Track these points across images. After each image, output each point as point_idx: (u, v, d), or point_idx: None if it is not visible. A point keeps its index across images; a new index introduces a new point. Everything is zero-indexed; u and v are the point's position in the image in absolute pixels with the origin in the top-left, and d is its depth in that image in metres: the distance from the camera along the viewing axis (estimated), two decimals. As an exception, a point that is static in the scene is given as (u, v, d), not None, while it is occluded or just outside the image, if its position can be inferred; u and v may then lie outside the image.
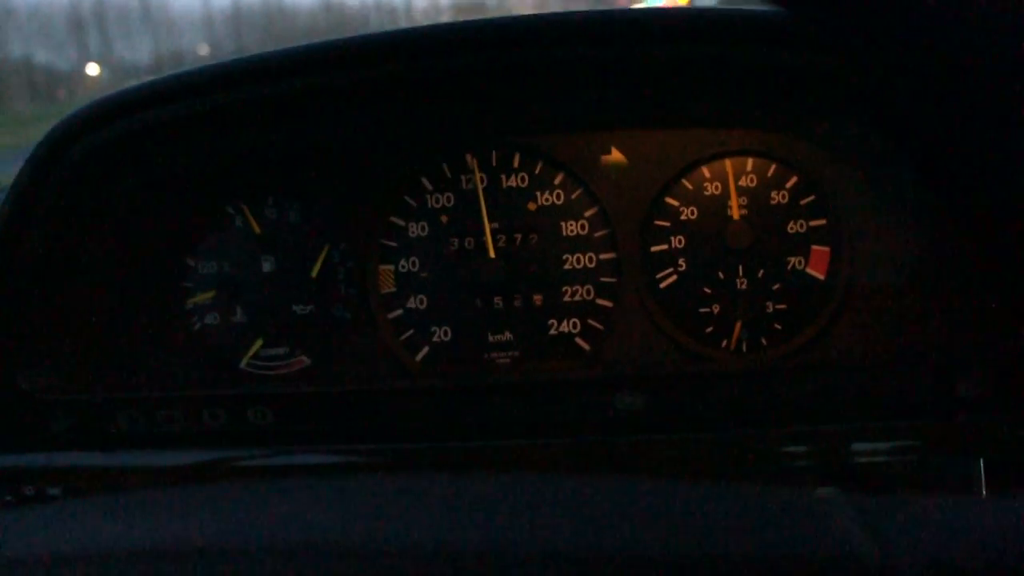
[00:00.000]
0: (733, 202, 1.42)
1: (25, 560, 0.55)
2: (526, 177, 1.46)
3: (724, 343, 1.43)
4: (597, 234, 1.45)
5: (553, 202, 1.46)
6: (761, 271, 1.41)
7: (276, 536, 0.55)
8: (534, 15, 1.23)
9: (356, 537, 0.55)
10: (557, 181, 1.46)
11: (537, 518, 0.56)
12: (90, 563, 0.54)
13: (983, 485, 1.14)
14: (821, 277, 1.40)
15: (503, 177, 1.46)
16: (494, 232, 1.45)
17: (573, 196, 1.46)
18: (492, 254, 1.45)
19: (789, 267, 1.41)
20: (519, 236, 1.46)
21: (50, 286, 1.34)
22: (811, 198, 1.40)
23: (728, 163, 1.42)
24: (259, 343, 1.50)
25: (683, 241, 1.43)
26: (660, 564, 0.49)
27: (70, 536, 0.59)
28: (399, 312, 1.49)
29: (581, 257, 1.45)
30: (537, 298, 1.46)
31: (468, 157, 1.47)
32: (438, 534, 0.54)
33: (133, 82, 1.34)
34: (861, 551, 0.49)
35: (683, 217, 1.43)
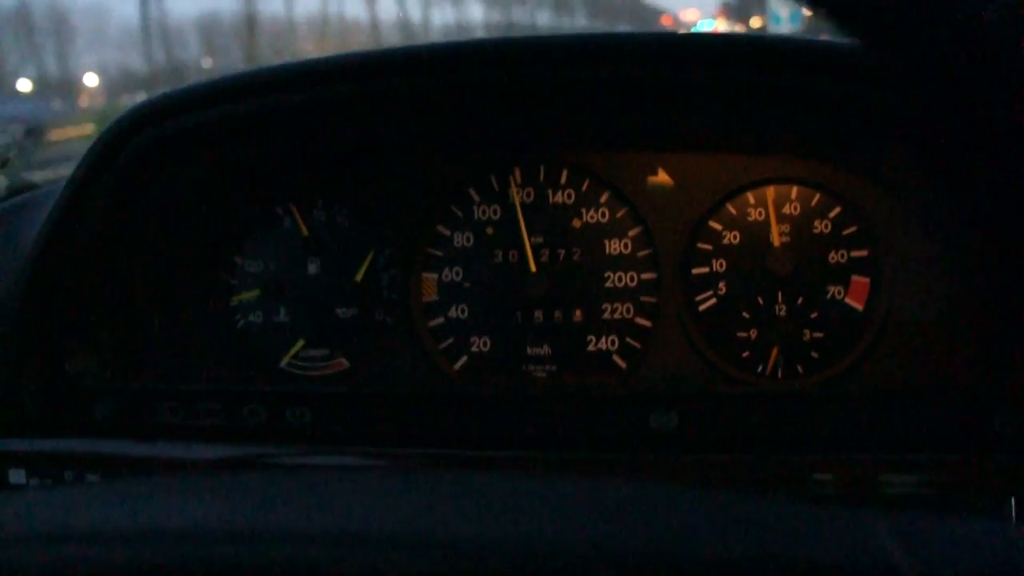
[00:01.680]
0: (774, 229, 1.42)
1: (51, 537, 0.57)
2: (572, 194, 1.48)
3: (760, 368, 1.43)
4: (640, 254, 1.47)
5: (598, 220, 1.47)
6: (800, 299, 1.42)
7: (305, 523, 0.56)
8: (591, 33, 1.25)
9: (381, 527, 0.56)
10: (603, 199, 1.48)
11: (570, 515, 0.56)
12: (115, 542, 0.55)
13: (1014, 522, 1.14)
14: (860, 307, 1.41)
15: (550, 192, 1.48)
16: (538, 247, 1.47)
17: (618, 215, 1.47)
18: (534, 268, 1.46)
19: (828, 296, 1.42)
20: (563, 252, 1.47)
21: (101, 275, 1.37)
22: (853, 228, 1.41)
23: (772, 190, 1.43)
24: (300, 343, 1.52)
25: (724, 265, 1.45)
26: (692, 569, 0.50)
27: (96, 515, 0.60)
28: (440, 320, 1.51)
29: (623, 276, 1.47)
30: (577, 314, 1.47)
31: (516, 171, 1.48)
32: (462, 527, 0.55)
33: (139, 93, 1.37)
34: (900, 567, 0.49)
35: (725, 241, 1.44)
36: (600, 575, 0.50)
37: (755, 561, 0.51)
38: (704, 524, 0.55)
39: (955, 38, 0.51)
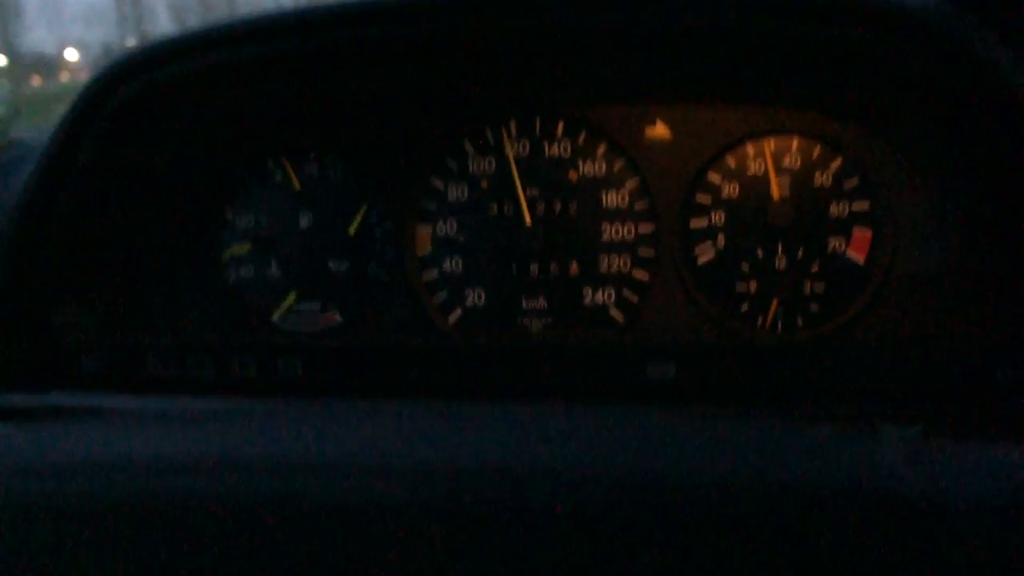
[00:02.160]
0: (774, 181, 1.40)
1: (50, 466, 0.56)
2: (569, 146, 1.46)
3: (760, 321, 1.42)
4: (637, 206, 1.44)
5: (595, 172, 1.45)
6: (801, 251, 1.40)
7: (302, 452, 0.56)
8: None
9: (379, 456, 0.55)
10: (600, 151, 1.45)
11: (581, 441, 0.55)
12: (107, 471, 0.54)
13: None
14: (861, 260, 1.39)
15: (546, 145, 1.46)
16: (534, 199, 1.45)
17: (615, 167, 1.45)
18: (528, 221, 1.44)
19: (829, 249, 1.40)
20: (559, 204, 1.45)
21: (89, 228, 1.35)
22: (855, 181, 1.39)
23: (772, 141, 1.41)
24: (292, 298, 1.51)
25: (723, 217, 1.42)
26: (707, 488, 0.49)
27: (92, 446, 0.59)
28: (434, 274, 1.49)
29: (620, 228, 1.45)
30: (573, 267, 1.45)
31: (511, 123, 1.46)
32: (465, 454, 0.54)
33: None
34: (908, 485, 0.48)
35: (724, 194, 1.42)
36: (603, 498, 0.49)
37: (761, 479, 0.50)
38: (710, 444, 0.54)
39: None
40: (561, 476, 0.52)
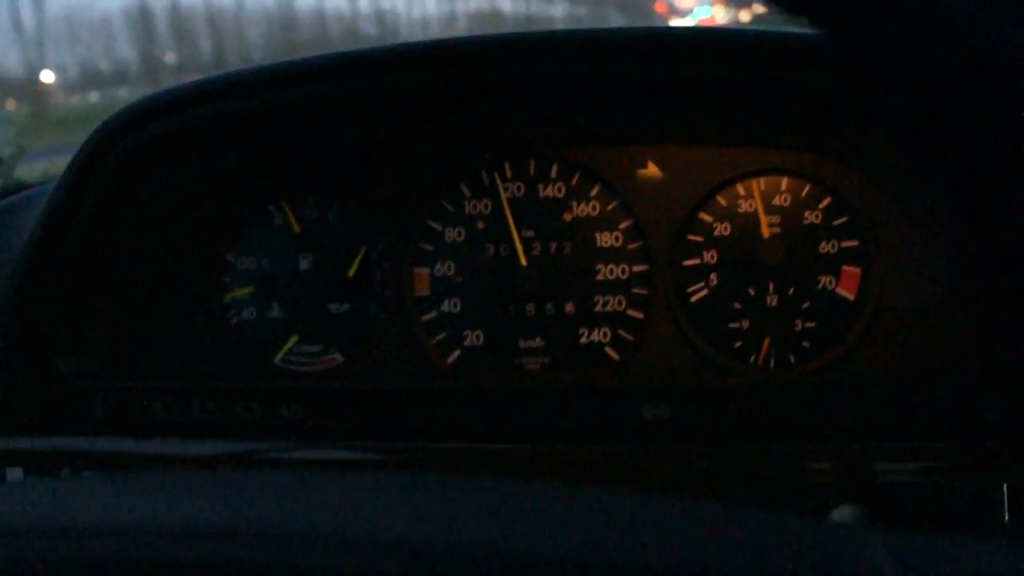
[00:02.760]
0: (762, 220, 1.43)
1: (37, 529, 0.57)
2: (563, 187, 1.48)
3: (752, 358, 1.44)
4: (631, 246, 1.47)
5: (588, 213, 1.48)
6: (792, 289, 1.43)
7: (296, 521, 0.57)
8: (578, 30, 1.26)
9: (371, 529, 0.56)
10: (593, 193, 1.48)
11: (552, 523, 0.56)
12: (100, 536, 0.56)
13: (1006, 510, 1.15)
14: (851, 297, 1.42)
15: (540, 186, 1.49)
16: (529, 240, 1.48)
17: (608, 208, 1.48)
18: (524, 262, 1.47)
19: (819, 286, 1.42)
20: (554, 245, 1.48)
21: (93, 273, 1.38)
22: (844, 219, 1.42)
23: (762, 181, 1.44)
24: (294, 339, 1.53)
25: (715, 256, 1.45)
26: None
27: (90, 508, 0.61)
28: (433, 315, 1.51)
29: (614, 268, 1.47)
30: (569, 307, 1.48)
31: (506, 166, 1.49)
32: (450, 531, 0.55)
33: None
34: None
35: (716, 233, 1.45)
36: None
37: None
38: (691, 537, 0.55)
39: (927, 30, 0.52)
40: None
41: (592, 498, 0.59)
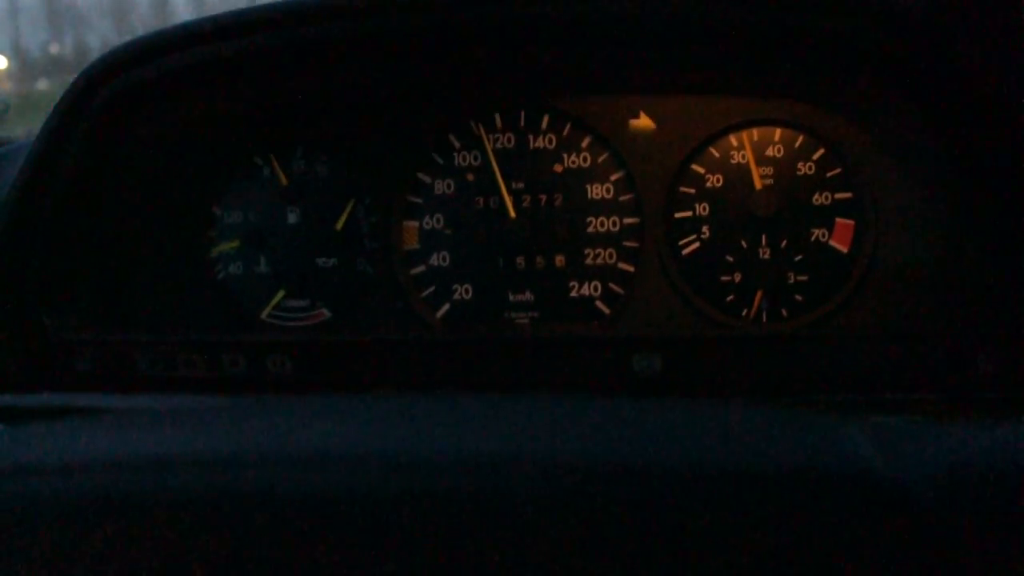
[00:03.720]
0: (755, 172, 1.42)
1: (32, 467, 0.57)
2: (553, 139, 1.47)
3: (744, 312, 1.43)
4: (622, 198, 1.46)
5: (579, 165, 1.46)
6: (784, 242, 1.41)
7: (285, 446, 0.57)
8: None
9: (365, 448, 0.56)
10: (584, 144, 1.46)
11: (552, 429, 0.57)
12: (93, 471, 0.55)
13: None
14: (844, 250, 1.40)
15: (531, 138, 1.47)
16: (519, 192, 1.46)
17: (599, 160, 1.46)
18: (512, 214, 1.46)
19: (812, 239, 1.41)
20: (544, 197, 1.46)
21: (77, 227, 1.36)
22: (837, 171, 1.40)
23: (755, 132, 1.42)
24: (281, 294, 1.51)
25: (707, 208, 1.44)
26: (667, 476, 0.50)
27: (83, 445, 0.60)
28: (421, 269, 1.50)
29: (605, 221, 1.46)
30: (559, 260, 1.47)
31: (496, 117, 1.47)
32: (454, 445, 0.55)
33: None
34: (871, 467, 0.49)
35: (708, 185, 1.43)
36: (576, 487, 0.50)
37: (728, 465, 0.51)
38: (677, 431, 0.55)
39: None
40: (544, 463, 0.53)
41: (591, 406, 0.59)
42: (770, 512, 0.48)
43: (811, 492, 0.49)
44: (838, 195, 1.40)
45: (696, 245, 1.44)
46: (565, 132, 1.47)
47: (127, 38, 1.28)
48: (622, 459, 0.52)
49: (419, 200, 1.49)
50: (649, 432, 0.55)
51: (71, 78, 1.29)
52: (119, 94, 1.27)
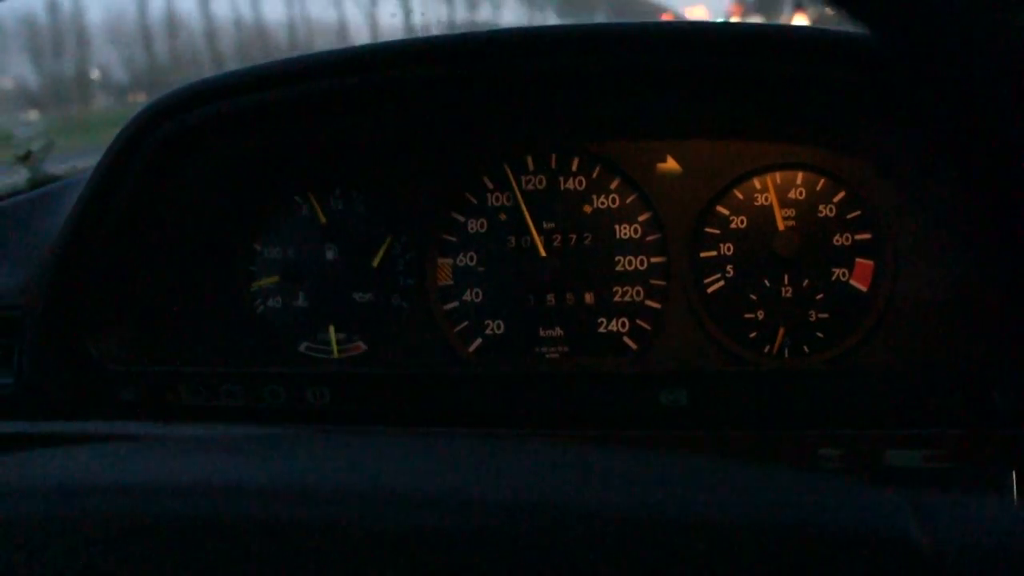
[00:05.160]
0: (777, 213, 1.46)
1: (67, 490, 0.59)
2: (583, 180, 1.52)
3: (767, 348, 1.47)
4: (649, 238, 1.50)
5: (608, 206, 1.51)
6: (806, 280, 1.46)
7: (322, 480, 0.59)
8: (601, 24, 1.29)
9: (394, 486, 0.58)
10: (613, 186, 1.51)
11: (576, 478, 0.58)
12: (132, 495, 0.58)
13: (1015, 495, 1.18)
14: (864, 289, 1.44)
15: (561, 179, 1.52)
16: (550, 232, 1.51)
17: (628, 201, 1.51)
18: (543, 253, 1.50)
19: (833, 278, 1.45)
20: (574, 237, 1.51)
21: (125, 262, 1.41)
22: (857, 212, 1.45)
23: (778, 175, 1.47)
24: (331, 329, 1.57)
25: (732, 248, 1.48)
26: (702, 536, 0.52)
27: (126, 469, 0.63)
28: (455, 304, 1.55)
29: (632, 260, 1.51)
30: (588, 297, 1.51)
31: (528, 159, 1.52)
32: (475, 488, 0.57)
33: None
34: (911, 533, 0.51)
35: (733, 225, 1.48)
36: (606, 539, 0.52)
37: (771, 530, 0.52)
38: (715, 492, 0.56)
39: (966, 30, 0.53)
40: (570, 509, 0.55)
41: (626, 456, 0.61)
42: (804, 570, 0.50)
43: (851, 558, 0.51)
44: (858, 236, 1.45)
45: (721, 283, 1.49)
46: (595, 174, 1.52)
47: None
48: (659, 514, 0.53)
49: (453, 238, 1.54)
50: (682, 485, 0.57)
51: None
52: (170, 137, 1.33)
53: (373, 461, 0.62)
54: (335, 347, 1.56)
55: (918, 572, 0.49)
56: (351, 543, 0.53)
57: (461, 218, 1.54)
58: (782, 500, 0.55)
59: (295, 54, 1.35)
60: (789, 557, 0.50)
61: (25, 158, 1.81)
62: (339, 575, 0.53)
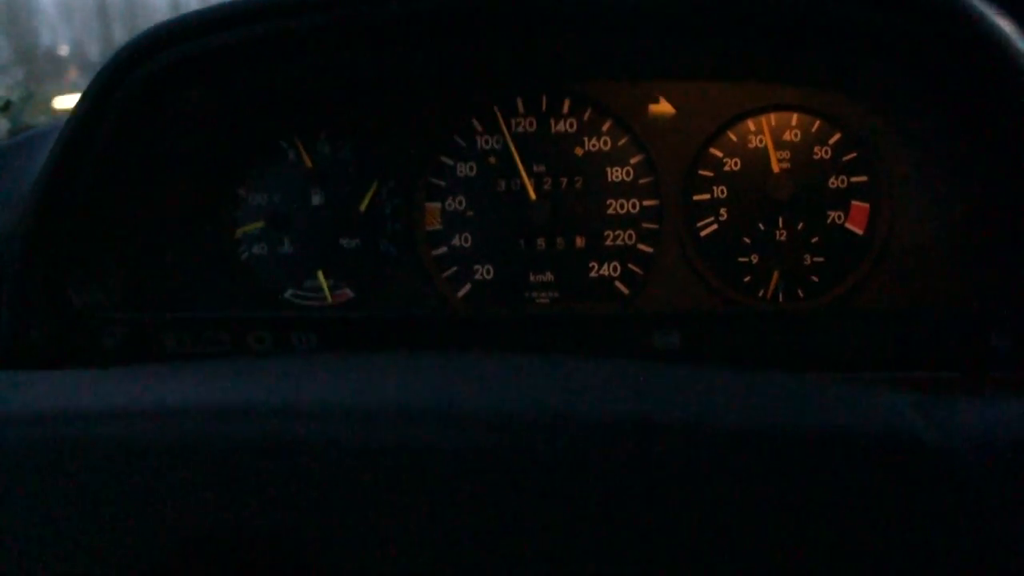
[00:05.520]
0: (772, 155, 1.44)
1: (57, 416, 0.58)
2: (574, 123, 1.49)
3: (761, 292, 1.45)
4: (641, 181, 1.48)
5: (600, 148, 1.49)
6: (801, 224, 1.44)
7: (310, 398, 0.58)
8: None
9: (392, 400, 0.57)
10: (605, 128, 1.49)
11: (583, 387, 0.57)
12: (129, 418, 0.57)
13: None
14: (860, 232, 1.42)
15: (552, 122, 1.49)
16: (541, 175, 1.49)
17: (620, 143, 1.48)
18: (533, 197, 1.48)
19: (828, 221, 1.43)
20: (565, 180, 1.49)
21: (106, 208, 1.38)
22: (853, 155, 1.43)
23: (772, 117, 1.45)
24: (319, 275, 1.55)
25: (725, 191, 1.46)
26: (706, 439, 0.51)
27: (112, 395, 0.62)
28: (444, 249, 1.52)
29: (624, 203, 1.48)
30: (579, 241, 1.49)
31: (518, 101, 1.49)
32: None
33: None
34: (916, 430, 0.50)
35: (726, 168, 1.46)
36: (614, 445, 0.51)
37: (773, 429, 0.51)
38: (718, 397, 0.56)
39: None
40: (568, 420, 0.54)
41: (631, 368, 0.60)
42: (814, 476, 0.49)
43: (857, 456, 0.50)
44: (854, 178, 1.43)
45: (714, 227, 1.46)
46: (586, 116, 1.49)
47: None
48: (669, 420, 0.52)
49: (441, 182, 1.52)
50: (689, 394, 0.56)
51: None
52: (149, 76, 1.29)
53: (365, 379, 0.61)
54: (328, 292, 1.54)
55: (926, 468, 0.48)
56: (346, 460, 0.52)
57: (450, 161, 1.51)
58: (782, 403, 0.54)
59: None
60: (790, 459, 0.49)
61: (4, 109, 1.78)
62: (332, 492, 0.52)
